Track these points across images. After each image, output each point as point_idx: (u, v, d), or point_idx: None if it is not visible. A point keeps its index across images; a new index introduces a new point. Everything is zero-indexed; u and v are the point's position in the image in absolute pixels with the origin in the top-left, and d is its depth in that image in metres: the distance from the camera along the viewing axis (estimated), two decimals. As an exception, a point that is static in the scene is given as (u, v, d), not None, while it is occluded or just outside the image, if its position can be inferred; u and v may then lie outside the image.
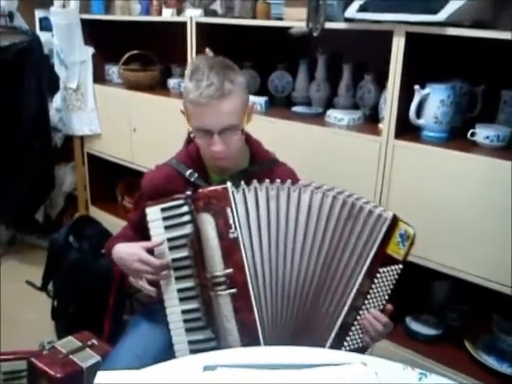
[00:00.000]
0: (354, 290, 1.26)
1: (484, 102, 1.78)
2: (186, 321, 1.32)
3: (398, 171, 1.71)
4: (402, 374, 1.07)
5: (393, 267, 1.27)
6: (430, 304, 1.99)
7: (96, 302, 2.30)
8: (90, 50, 2.81)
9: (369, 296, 1.27)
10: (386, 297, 1.28)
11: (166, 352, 1.33)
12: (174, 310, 1.33)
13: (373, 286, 1.26)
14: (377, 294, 1.27)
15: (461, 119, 1.80)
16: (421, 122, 1.70)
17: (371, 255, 1.25)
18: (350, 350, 1.28)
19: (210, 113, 1.29)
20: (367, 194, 1.77)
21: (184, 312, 1.32)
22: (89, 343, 1.95)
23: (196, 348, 1.30)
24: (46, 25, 3.24)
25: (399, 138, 1.70)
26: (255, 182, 1.27)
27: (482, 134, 1.63)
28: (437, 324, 1.90)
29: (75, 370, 1.82)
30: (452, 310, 1.92)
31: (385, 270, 1.26)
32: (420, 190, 1.67)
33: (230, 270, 1.25)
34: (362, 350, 1.29)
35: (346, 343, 1.28)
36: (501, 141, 1.61)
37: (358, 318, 1.27)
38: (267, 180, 1.28)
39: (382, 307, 1.28)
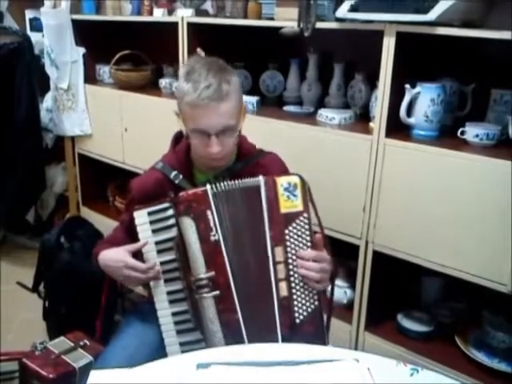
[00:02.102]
0: (270, 264, 1.27)
1: (474, 101, 1.80)
2: (176, 323, 1.34)
3: (389, 169, 1.72)
4: (395, 370, 1.08)
5: (297, 221, 1.27)
6: (421, 301, 2.00)
7: (87, 302, 2.28)
8: (81, 50, 2.80)
9: (290, 260, 1.27)
10: (308, 248, 1.28)
11: (158, 351, 1.33)
12: (165, 312, 1.34)
13: (288, 249, 1.27)
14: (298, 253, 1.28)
15: (451, 118, 1.81)
16: (411, 120, 1.71)
17: (266, 225, 1.26)
18: (306, 318, 1.27)
19: (209, 114, 1.29)
20: (358, 193, 1.78)
21: (174, 314, 1.33)
22: (81, 343, 1.95)
23: (187, 349, 1.31)
24: (36, 25, 3.23)
25: (390, 137, 1.71)
26: (222, 185, 1.29)
27: (472, 132, 1.64)
28: (428, 321, 1.91)
29: (68, 371, 1.82)
30: (443, 307, 1.94)
31: (290, 228, 1.27)
32: (410, 188, 1.68)
33: (212, 273, 1.26)
34: (317, 310, 1.29)
35: (296, 314, 1.28)
36: (490, 139, 1.63)
37: (293, 285, 1.27)
38: (231, 182, 1.29)
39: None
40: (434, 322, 1.90)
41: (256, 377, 1.03)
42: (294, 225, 1.27)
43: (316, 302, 1.29)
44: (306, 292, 1.28)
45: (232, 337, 1.27)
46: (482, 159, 1.54)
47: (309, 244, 1.28)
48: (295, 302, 1.28)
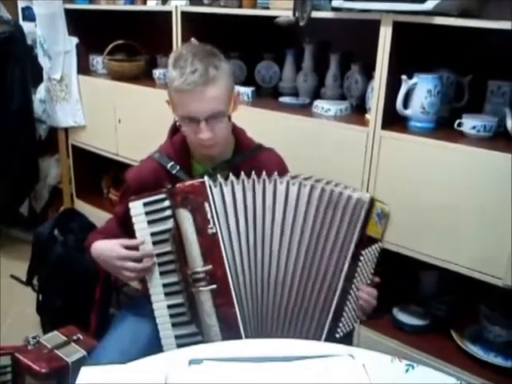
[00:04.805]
0: (343, 275, 1.27)
1: (471, 93, 1.78)
2: (171, 315, 1.31)
3: (385, 161, 1.70)
4: (390, 366, 1.07)
5: (373, 247, 1.30)
6: (417, 294, 1.99)
7: (82, 296, 2.28)
8: (74, 40, 2.76)
9: (355, 279, 1.29)
10: (371, 276, 1.31)
11: (153, 345, 1.32)
12: (160, 304, 1.32)
13: (358, 268, 1.28)
14: (362, 276, 1.29)
15: (448, 109, 1.79)
16: (408, 112, 1.69)
17: (354, 239, 1.26)
18: (344, 334, 1.30)
19: (196, 99, 1.28)
20: (354, 185, 1.75)
21: (170, 307, 1.31)
22: (74, 338, 1.94)
23: (183, 342, 1.29)
24: (28, 14, 3.20)
25: (386, 129, 1.69)
26: (231, 175, 1.27)
27: (469, 124, 1.62)
28: (424, 315, 1.91)
29: (60, 365, 1.81)
30: (439, 301, 1.93)
31: (366, 251, 1.29)
32: (407, 181, 1.66)
33: (209, 267, 1.25)
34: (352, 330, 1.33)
35: (339, 329, 1.29)
36: (487, 131, 1.61)
37: (347, 301, 1.29)
38: (243, 172, 1.27)
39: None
40: (430, 316, 1.90)
41: (249, 373, 1.01)
42: (370, 249, 1.30)
43: (355, 324, 1.32)
44: (354, 311, 1.31)
45: (228, 331, 1.26)
46: (479, 151, 1.52)
47: (372, 271, 1.31)
48: (342, 319, 1.29)
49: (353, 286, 1.29)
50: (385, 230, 1.31)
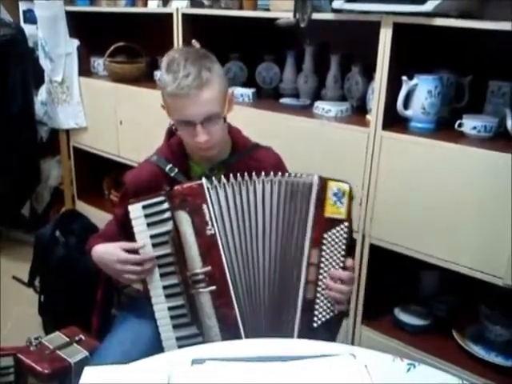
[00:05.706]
0: (304, 264, 1.27)
1: (471, 93, 1.78)
2: (172, 317, 1.32)
3: (386, 162, 1.70)
4: (391, 365, 1.07)
5: (338, 228, 1.27)
6: (417, 294, 1.99)
7: (83, 297, 2.28)
8: (75, 43, 2.77)
9: (322, 265, 1.27)
10: (342, 258, 1.28)
11: (155, 346, 1.32)
12: (161, 306, 1.33)
13: (323, 253, 1.27)
14: (330, 260, 1.28)
15: (448, 110, 1.79)
16: (408, 113, 1.70)
17: (309, 225, 1.26)
18: (323, 323, 1.28)
19: (190, 103, 1.28)
20: (355, 186, 1.77)
21: (170, 309, 1.32)
22: (76, 338, 1.94)
23: (184, 344, 1.30)
24: (30, 17, 3.20)
25: (387, 130, 1.69)
26: (222, 177, 1.28)
27: (470, 124, 1.63)
28: (425, 315, 1.91)
29: (63, 366, 1.81)
30: (440, 301, 1.93)
31: (330, 233, 1.27)
32: (407, 181, 1.67)
33: (208, 268, 1.26)
34: (337, 317, 1.29)
35: (315, 318, 1.28)
36: (488, 131, 1.61)
37: (319, 289, 1.27)
38: (240, 171, 1.29)
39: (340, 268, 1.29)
40: (431, 316, 1.90)
41: (251, 372, 1.02)
42: (334, 231, 1.27)
43: (335, 311, 1.29)
44: (329, 299, 1.28)
45: (228, 332, 1.27)
46: (479, 152, 1.52)
47: (342, 253, 1.28)
48: (317, 307, 1.28)
49: (321, 271, 1.27)
50: (350, 209, 1.26)
